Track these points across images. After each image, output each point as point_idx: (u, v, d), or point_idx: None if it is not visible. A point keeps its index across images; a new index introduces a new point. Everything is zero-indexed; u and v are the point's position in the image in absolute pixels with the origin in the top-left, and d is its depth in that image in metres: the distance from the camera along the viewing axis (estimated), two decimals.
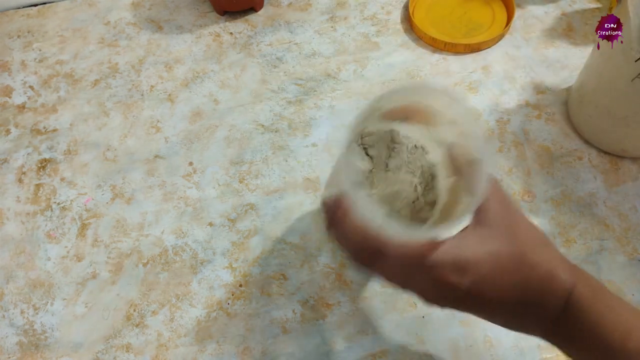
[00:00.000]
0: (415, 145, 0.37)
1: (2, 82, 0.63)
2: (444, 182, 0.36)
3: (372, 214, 0.28)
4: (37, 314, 0.48)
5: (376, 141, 0.37)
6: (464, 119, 0.31)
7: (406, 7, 0.66)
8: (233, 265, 0.49)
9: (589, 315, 0.29)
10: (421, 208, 0.37)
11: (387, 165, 0.38)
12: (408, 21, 0.65)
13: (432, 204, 0.37)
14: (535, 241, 0.31)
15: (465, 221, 0.30)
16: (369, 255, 0.31)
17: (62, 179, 0.55)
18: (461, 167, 0.33)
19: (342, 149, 0.31)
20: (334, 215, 0.32)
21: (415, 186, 0.37)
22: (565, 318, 0.30)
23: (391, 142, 0.37)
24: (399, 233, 0.28)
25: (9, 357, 0.46)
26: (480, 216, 0.30)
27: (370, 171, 0.38)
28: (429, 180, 0.37)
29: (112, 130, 0.58)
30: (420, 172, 0.37)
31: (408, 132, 0.37)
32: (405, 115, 0.35)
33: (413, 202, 0.37)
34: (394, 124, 0.37)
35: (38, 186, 0.55)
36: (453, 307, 0.31)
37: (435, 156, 0.37)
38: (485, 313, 0.31)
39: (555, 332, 0.31)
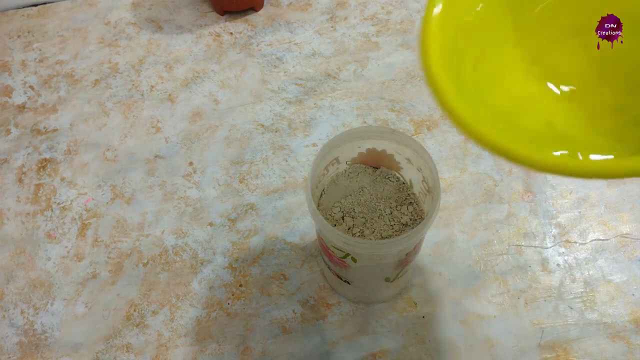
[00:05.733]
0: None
1: (2, 82, 0.63)
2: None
3: None
4: (37, 314, 0.48)
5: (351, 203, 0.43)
6: (415, 155, 0.38)
7: (406, 8, 0.66)
8: (233, 265, 0.49)
9: None
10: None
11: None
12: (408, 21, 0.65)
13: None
14: None
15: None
16: None
17: (62, 179, 0.55)
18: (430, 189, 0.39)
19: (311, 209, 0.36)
20: None
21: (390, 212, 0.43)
22: None
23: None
24: None
25: (9, 357, 0.46)
26: None
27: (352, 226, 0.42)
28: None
29: (112, 130, 0.58)
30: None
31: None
32: (371, 163, 0.42)
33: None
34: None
35: (38, 186, 0.55)
36: None
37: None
38: None
39: None
